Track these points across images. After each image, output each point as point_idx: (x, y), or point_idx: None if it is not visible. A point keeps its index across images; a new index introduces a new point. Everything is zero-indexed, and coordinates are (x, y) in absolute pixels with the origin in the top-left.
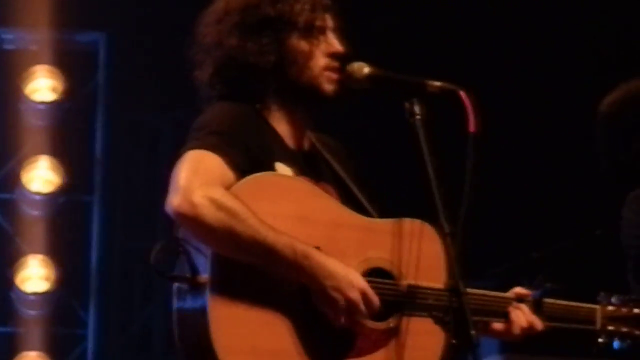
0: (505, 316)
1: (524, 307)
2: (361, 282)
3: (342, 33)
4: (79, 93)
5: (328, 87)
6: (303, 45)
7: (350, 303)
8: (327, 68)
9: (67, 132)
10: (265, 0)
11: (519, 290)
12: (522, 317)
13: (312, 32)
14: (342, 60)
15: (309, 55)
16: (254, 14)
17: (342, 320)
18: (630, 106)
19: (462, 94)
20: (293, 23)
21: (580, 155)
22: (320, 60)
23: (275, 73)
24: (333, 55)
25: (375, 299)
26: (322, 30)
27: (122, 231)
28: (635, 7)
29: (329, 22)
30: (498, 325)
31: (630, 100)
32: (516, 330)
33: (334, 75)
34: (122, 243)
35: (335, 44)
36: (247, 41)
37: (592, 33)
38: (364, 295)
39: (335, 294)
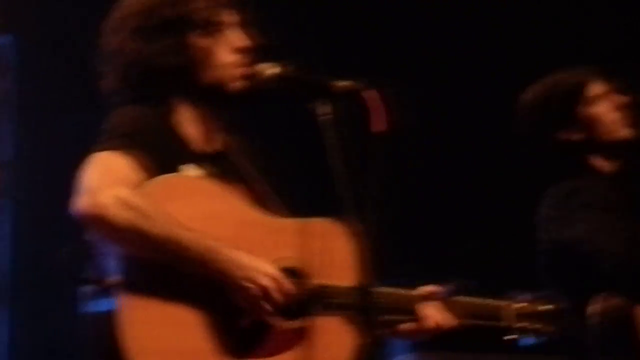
0: (414, 314)
1: (434, 304)
2: (272, 270)
3: (249, 28)
4: None
5: (235, 85)
6: (204, 42)
7: (263, 290)
8: (234, 65)
9: None
10: (163, 2)
11: (429, 288)
12: (433, 313)
13: (212, 28)
14: (250, 54)
15: (211, 52)
16: (153, 17)
17: (257, 310)
18: (551, 96)
19: (365, 94)
20: (193, 22)
21: (491, 155)
22: (226, 57)
23: (180, 74)
24: (240, 51)
25: (288, 285)
26: (226, 26)
27: (32, 235)
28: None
29: (232, 17)
30: (408, 326)
31: (551, 91)
32: (427, 327)
33: (241, 72)
34: (32, 247)
35: (240, 39)
36: (148, 45)
37: (507, 32)
38: (276, 281)
39: (248, 283)
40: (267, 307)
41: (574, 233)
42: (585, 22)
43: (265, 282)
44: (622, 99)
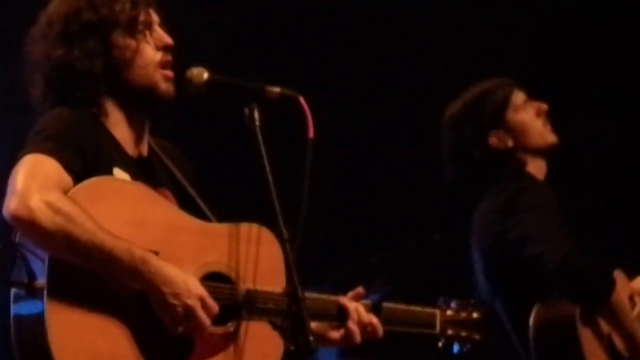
0: (343, 319)
1: (362, 310)
2: (199, 289)
3: (169, 28)
4: None
5: (163, 86)
6: (129, 42)
7: (188, 310)
8: (161, 63)
9: None
10: (85, 5)
11: (356, 292)
12: (361, 320)
13: (136, 27)
14: (173, 52)
15: (136, 50)
16: (76, 21)
17: (180, 328)
18: (479, 107)
19: (301, 100)
20: (116, 22)
21: (418, 163)
22: (150, 55)
23: (107, 75)
24: (165, 49)
25: (213, 305)
26: (148, 25)
27: None
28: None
29: (154, 16)
30: (335, 334)
31: (478, 102)
32: (354, 334)
33: (168, 73)
34: None
35: (164, 37)
36: (73, 49)
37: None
38: (202, 301)
39: (174, 301)
40: (190, 325)
41: (517, 235)
42: (499, 37)
43: (191, 302)
44: (541, 105)
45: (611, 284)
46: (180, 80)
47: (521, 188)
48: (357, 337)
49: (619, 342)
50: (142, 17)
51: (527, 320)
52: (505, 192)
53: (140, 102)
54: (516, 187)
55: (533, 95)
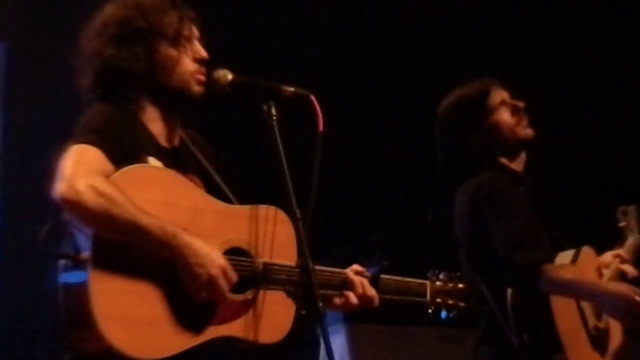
0: (345, 288)
1: (362, 279)
2: (221, 261)
3: (206, 42)
4: None
5: (196, 88)
6: (172, 52)
7: (211, 278)
8: (194, 72)
9: None
10: (138, 14)
11: (357, 266)
12: (360, 287)
13: (180, 40)
14: (207, 65)
15: (177, 61)
16: (128, 27)
17: (203, 294)
18: (460, 107)
19: (313, 98)
20: (163, 33)
21: (414, 152)
22: (188, 65)
23: (148, 77)
24: (199, 61)
25: (233, 275)
26: (189, 39)
27: (15, 215)
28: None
29: (194, 32)
30: (339, 300)
31: (460, 102)
32: (355, 301)
33: (201, 78)
34: (18, 226)
35: (201, 51)
36: (122, 50)
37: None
38: (223, 271)
39: (199, 270)
40: (213, 293)
41: (494, 225)
42: (484, 41)
43: (214, 271)
44: (517, 103)
45: (533, 274)
46: (209, 81)
47: (484, 183)
48: (358, 305)
49: (588, 305)
50: (185, 32)
51: (504, 290)
52: (473, 186)
53: (174, 102)
54: (480, 182)
55: (516, 90)
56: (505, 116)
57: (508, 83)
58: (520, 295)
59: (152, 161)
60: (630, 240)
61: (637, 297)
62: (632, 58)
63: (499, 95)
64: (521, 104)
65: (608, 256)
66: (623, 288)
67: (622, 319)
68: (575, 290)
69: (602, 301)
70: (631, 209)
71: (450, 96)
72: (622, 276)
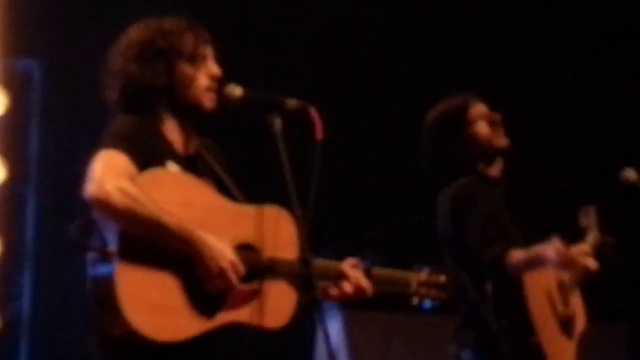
0: (341, 280)
1: (357, 273)
2: (231, 255)
3: (219, 60)
4: (18, 107)
5: (209, 103)
6: (189, 69)
7: (221, 270)
8: (208, 88)
9: (8, 136)
10: (159, 35)
11: (352, 260)
12: (356, 281)
13: (196, 59)
14: (219, 81)
15: (193, 77)
16: (150, 47)
17: (215, 284)
18: (443, 119)
19: (312, 109)
20: (181, 53)
21: (401, 160)
22: (203, 81)
23: (167, 92)
24: (213, 78)
25: (241, 268)
26: (204, 58)
27: (52, 214)
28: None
29: (209, 51)
30: (336, 290)
31: (443, 114)
32: (350, 292)
33: (214, 94)
34: (52, 223)
35: (214, 69)
36: (144, 68)
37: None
38: (233, 264)
39: (212, 263)
40: (223, 283)
41: (470, 225)
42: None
43: (225, 264)
44: (494, 116)
45: (499, 265)
46: (221, 96)
47: (461, 188)
48: (352, 295)
49: (556, 294)
50: (200, 51)
51: (484, 281)
52: (453, 190)
53: (189, 114)
54: (458, 187)
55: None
56: (482, 128)
57: (486, 96)
58: (498, 285)
59: (170, 166)
60: (591, 238)
61: (562, 247)
62: (601, 59)
63: (478, 108)
64: (497, 117)
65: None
66: (552, 244)
67: (562, 268)
68: (529, 262)
69: (544, 259)
70: (591, 209)
71: (434, 110)
72: (585, 270)
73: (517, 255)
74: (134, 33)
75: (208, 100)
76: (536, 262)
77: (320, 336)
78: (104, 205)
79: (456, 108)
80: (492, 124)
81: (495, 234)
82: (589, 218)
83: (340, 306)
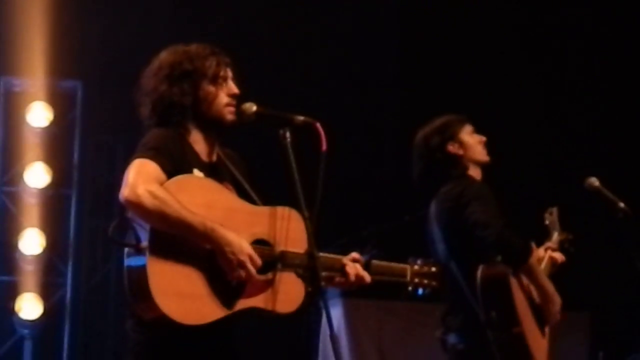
0: (344, 270)
1: (357, 265)
2: (249, 249)
3: (237, 81)
4: (62, 121)
5: (229, 117)
6: (211, 88)
7: (241, 263)
8: (228, 104)
9: (55, 146)
10: (185, 59)
11: (354, 254)
12: (356, 272)
13: (217, 79)
14: (238, 99)
15: (215, 95)
16: (178, 69)
17: (235, 275)
18: (443, 127)
19: (317, 124)
20: (204, 74)
21: (394, 167)
22: (223, 99)
23: (193, 108)
24: (232, 96)
25: (258, 260)
26: (225, 79)
27: (91, 213)
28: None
29: (229, 73)
30: (339, 279)
31: (443, 124)
32: (351, 281)
33: (233, 109)
34: (91, 221)
35: (234, 88)
36: (173, 87)
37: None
38: (250, 257)
39: (231, 257)
40: (242, 273)
41: (467, 218)
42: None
43: (243, 257)
44: (482, 137)
45: (529, 251)
46: (239, 111)
47: (468, 184)
48: (354, 284)
49: (534, 292)
50: (221, 73)
51: (475, 276)
52: (459, 186)
53: (212, 127)
54: (464, 184)
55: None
56: (475, 141)
57: (473, 119)
58: (487, 277)
59: (196, 172)
60: (555, 235)
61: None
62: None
63: (470, 127)
64: (484, 138)
65: (541, 250)
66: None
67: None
68: (536, 277)
69: (546, 295)
70: (554, 210)
71: (431, 123)
72: (553, 263)
73: (535, 262)
74: (164, 56)
75: (228, 114)
76: (539, 286)
77: (323, 320)
78: (137, 207)
79: (454, 119)
80: (479, 142)
81: (500, 215)
82: (552, 218)
83: (341, 294)
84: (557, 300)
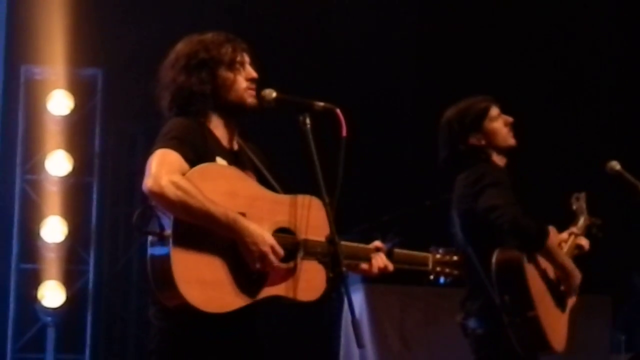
0: (367, 259)
1: (380, 254)
2: (271, 240)
3: (256, 65)
4: (83, 109)
5: (250, 100)
6: (229, 74)
7: (262, 253)
8: (248, 88)
9: (76, 134)
10: (201, 48)
11: (377, 243)
12: (379, 260)
13: (234, 65)
14: (257, 83)
15: (234, 81)
16: (195, 58)
17: (257, 265)
18: (466, 115)
19: (337, 110)
20: (221, 61)
21: (418, 152)
22: (242, 83)
23: (212, 96)
24: (251, 80)
25: (280, 250)
26: (242, 64)
27: (112, 201)
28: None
29: (246, 58)
30: (363, 266)
31: (466, 111)
32: (375, 269)
33: (253, 93)
34: (112, 209)
35: (252, 72)
36: (191, 77)
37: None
38: (272, 248)
39: (253, 247)
40: (264, 264)
41: (483, 203)
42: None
43: (265, 248)
44: (508, 118)
45: (545, 235)
46: (259, 97)
47: (486, 171)
48: (377, 273)
49: (552, 273)
50: (238, 58)
51: (491, 261)
52: (476, 173)
53: (234, 113)
54: (483, 170)
55: (505, 109)
56: (500, 125)
57: (500, 100)
58: (501, 262)
59: (219, 160)
60: (581, 221)
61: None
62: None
63: (496, 109)
64: (511, 119)
65: (565, 234)
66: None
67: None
68: (556, 257)
69: (566, 272)
70: (581, 195)
71: (456, 105)
72: (579, 248)
73: (554, 243)
74: (180, 47)
75: (249, 97)
76: (558, 265)
77: (345, 307)
78: (160, 198)
79: (480, 104)
80: (505, 124)
81: (515, 201)
82: (579, 203)
83: (363, 280)
84: (577, 274)
